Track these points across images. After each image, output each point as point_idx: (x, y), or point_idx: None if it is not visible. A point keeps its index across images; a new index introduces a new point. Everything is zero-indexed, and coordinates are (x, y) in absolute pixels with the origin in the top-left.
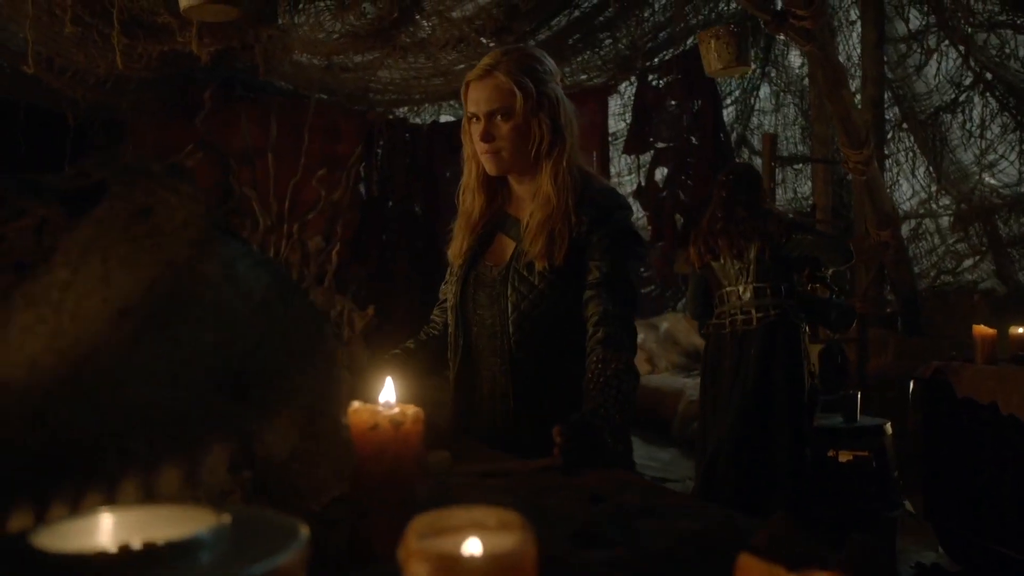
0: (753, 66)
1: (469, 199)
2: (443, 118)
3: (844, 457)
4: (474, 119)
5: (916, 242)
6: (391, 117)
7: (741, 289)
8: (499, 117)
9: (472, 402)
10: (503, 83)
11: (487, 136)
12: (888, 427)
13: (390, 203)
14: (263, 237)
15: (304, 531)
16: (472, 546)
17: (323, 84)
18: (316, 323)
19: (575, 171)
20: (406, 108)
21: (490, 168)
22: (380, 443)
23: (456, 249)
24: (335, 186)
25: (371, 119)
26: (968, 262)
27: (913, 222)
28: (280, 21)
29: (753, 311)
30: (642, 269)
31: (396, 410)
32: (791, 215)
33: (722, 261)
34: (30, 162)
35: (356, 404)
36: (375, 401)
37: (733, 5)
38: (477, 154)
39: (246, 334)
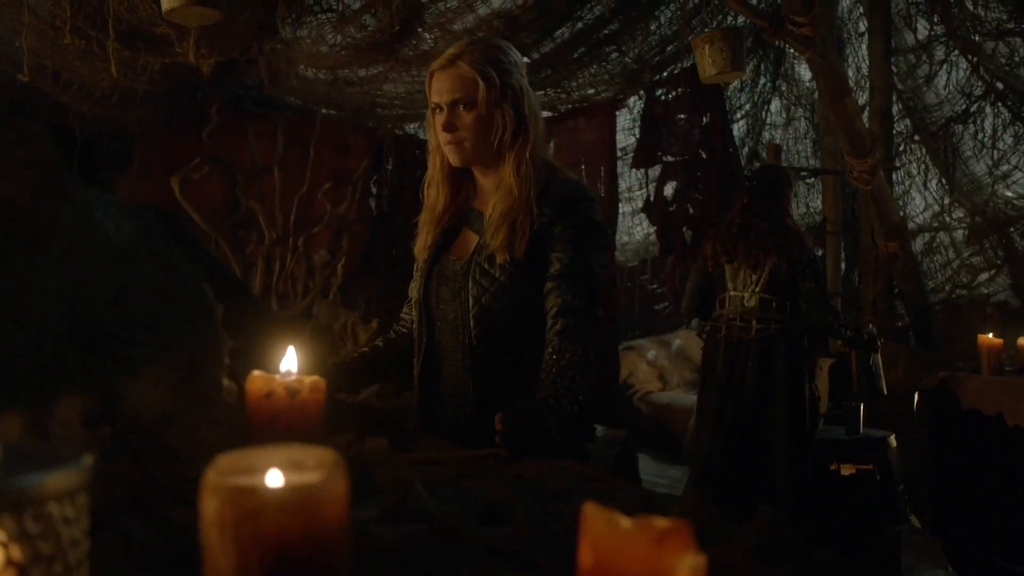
0: (764, 79)
1: (433, 192)
2: None
3: (847, 470)
4: (437, 109)
5: (930, 256)
6: (400, 133)
7: (747, 296)
8: (462, 107)
9: (435, 398)
10: (466, 72)
11: (449, 126)
12: (892, 439)
13: (400, 218)
14: (268, 250)
15: (87, 459)
16: (272, 479)
17: (329, 99)
18: (194, 281)
19: (538, 163)
20: (416, 124)
21: (453, 159)
22: (275, 411)
23: (421, 244)
24: (341, 200)
25: (380, 135)
26: (984, 276)
27: (927, 235)
28: (283, 34)
29: (754, 321)
30: (606, 261)
31: (293, 378)
32: (810, 248)
33: (736, 265)
34: None
35: (255, 372)
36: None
37: (741, 19)
38: (441, 145)
39: (102, 284)
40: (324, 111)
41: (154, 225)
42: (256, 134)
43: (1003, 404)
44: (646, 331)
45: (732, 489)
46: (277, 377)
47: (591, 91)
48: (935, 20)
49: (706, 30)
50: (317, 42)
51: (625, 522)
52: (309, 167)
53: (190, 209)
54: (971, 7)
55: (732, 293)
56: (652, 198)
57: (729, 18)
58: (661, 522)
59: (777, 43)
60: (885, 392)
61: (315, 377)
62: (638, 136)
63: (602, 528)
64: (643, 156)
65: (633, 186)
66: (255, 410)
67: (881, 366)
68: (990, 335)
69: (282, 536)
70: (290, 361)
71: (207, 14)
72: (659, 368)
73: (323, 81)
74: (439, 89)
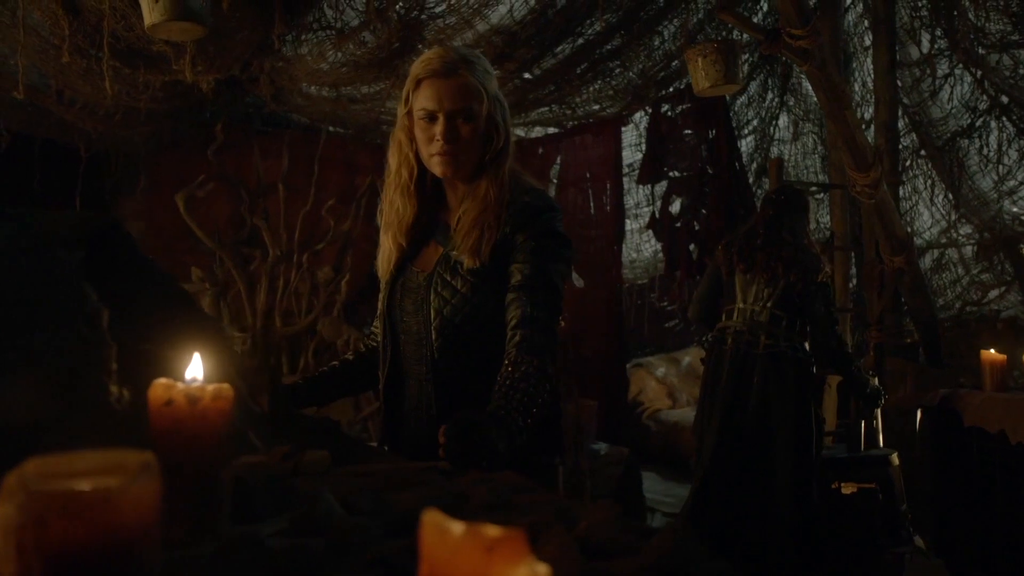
0: (771, 95)
1: (401, 203)
2: None
3: (848, 489)
4: (428, 118)
5: (940, 272)
6: None
7: (758, 309)
8: (460, 118)
9: (399, 411)
10: (468, 83)
11: (451, 136)
12: (895, 458)
13: None
14: (273, 267)
15: None
16: (63, 483)
17: (335, 117)
18: (75, 284)
19: (510, 173)
20: None
21: (443, 169)
22: (175, 420)
23: (384, 259)
24: (346, 217)
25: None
26: (994, 293)
27: (936, 252)
28: (284, 51)
29: (762, 336)
30: (569, 272)
31: (195, 386)
32: (824, 271)
33: (751, 276)
34: (44, 195)
35: (160, 379)
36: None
37: (746, 36)
38: (421, 155)
39: None
40: (331, 129)
41: (35, 230)
42: (262, 152)
43: (1006, 421)
44: (656, 348)
45: (731, 508)
46: (179, 384)
47: (596, 107)
48: (938, 33)
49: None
50: (317, 59)
51: (457, 530)
52: (314, 184)
53: (194, 226)
54: (974, 19)
55: (742, 305)
56: (658, 214)
57: (735, 32)
58: (493, 531)
59: (782, 57)
60: (881, 445)
61: (220, 385)
62: (644, 152)
63: (435, 537)
64: (648, 172)
65: (641, 202)
66: (155, 418)
67: (881, 421)
68: (992, 351)
69: (66, 543)
70: (195, 368)
71: (191, 29)
72: (669, 385)
73: (327, 99)
74: (437, 97)
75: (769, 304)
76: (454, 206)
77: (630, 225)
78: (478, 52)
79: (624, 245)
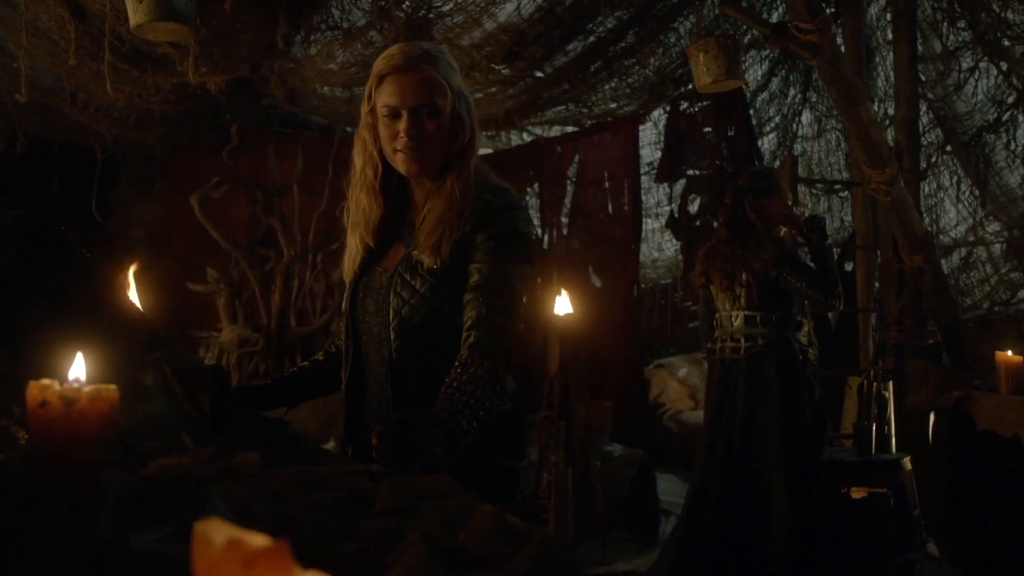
0: (793, 91)
1: (367, 201)
2: (481, 151)
3: (858, 494)
4: (391, 114)
5: (967, 272)
6: None
7: (733, 316)
8: (424, 114)
9: (361, 414)
10: (432, 78)
11: (414, 132)
12: (907, 461)
13: None
14: (287, 268)
15: None
16: None
17: (350, 117)
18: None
19: (475, 170)
20: None
21: (407, 167)
22: (50, 422)
23: (349, 261)
24: None
25: None
26: (1023, 292)
27: (963, 251)
28: (294, 52)
29: (742, 339)
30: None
31: (72, 387)
32: (790, 240)
33: (716, 286)
34: (62, 196)
35: (37, 381)
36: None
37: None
38: (385, 153)
39: None
40: (347, 129)
41: None
42: (277, 153)
43: (1021, 425)
44: (679, 349)
45: (728, 513)
46: (56, 385)
47: (613, 105)
48: (962, 26)
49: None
50: (326, 60)
51: (219, 541)
52: (329, 185)
53: (209, 227)
54: (998, 10)
55: (722, 314)
56: (677, 213)
57: (752, 31)
58: (257, 541)
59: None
60: (894, 449)
61: (101, 386)
62: (662, 150)
63: (201, 548)
64: (667, 170)
65: (662, 201)
66: (32, 420)
67: (894, 424)
68: (1009, 352)
69: None
70: (78, 368)
71: (177, 30)
72: (690, 386)
73: (341, 99)
74: (401, 92)
75: (741, 307)
76: (420, 204)
77: (652, 224)
78: (443, 47)
79: (646, 244)
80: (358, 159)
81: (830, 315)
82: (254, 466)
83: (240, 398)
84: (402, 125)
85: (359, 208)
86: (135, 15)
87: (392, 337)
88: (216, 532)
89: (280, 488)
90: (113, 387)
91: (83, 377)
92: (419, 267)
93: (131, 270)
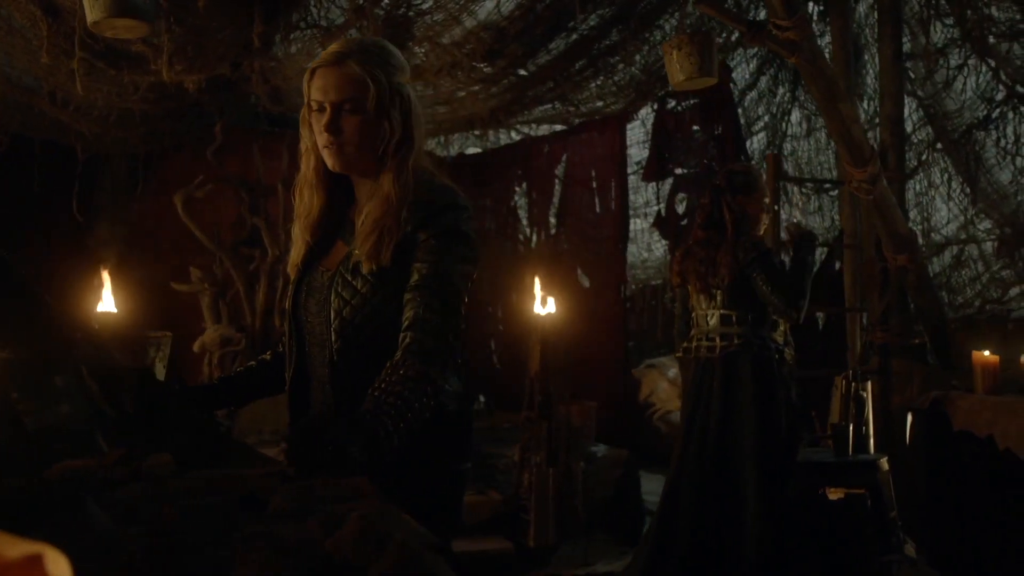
0: (782, 89)
1: (308, 196)
2: (470, 150)
3: (835, 495)
4: (318, 109)
5: (959, 270)
6: None
7: (709, 315)
8: (347, 109)
9: (304, 415)
10: (355, 73)
11: (332, 128)
12: (884, 462)
13: None
14: (272, 267)
15: None
16: None
17: None
18: None
19: (417, 172)
20: (434, 142)
21: (332, 163)
22: None
23: (293, 257)
24: None
25: None
26: (1015, 290)
27: (955, 249)
28: (274, 50)
29: (718, 339)
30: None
31: None
32: (760, 244)
33: (691, 285)
34: (44, 196)
35: None
36: None
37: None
38: (318, 146)
39: None
40: None
41: None
42: (262, 152)
43: (995, 425)
44: (669, 349)
45: (700, 521)
46: None
47: (600, 103)
48: (949, 22)
49: (719, 39)
50: (307, 59)
51: None
52: None
53: (193, 227)
54: (984, 7)
55: (698, 313)
56: (664, 212)
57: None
58: (12, 552)
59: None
60: (872, 450)
61: None
62: (648, 148)
63: None
64: (654, 169)
65: (651, 200)
66: None
67: (872, 424)
68: (986, 352)
69: None
70: None
71: (135, 26)
72: (680, 387)
73: None
74: (323, 87)
75: (716, 307)
76: (361, 202)
77: (641, 224)
78: (384, 42)
79: (635, 244)
80: (302, 152)
81: (818, 315)
82: (166, 468)
83: (184, 398)
84: (324, 120)
85: (301, 201)
86: (91, 11)
87: (333, 338)
88: None
89: (182, 490)
90: None
91: None
92: (360, 268)
93: (104, 270)
